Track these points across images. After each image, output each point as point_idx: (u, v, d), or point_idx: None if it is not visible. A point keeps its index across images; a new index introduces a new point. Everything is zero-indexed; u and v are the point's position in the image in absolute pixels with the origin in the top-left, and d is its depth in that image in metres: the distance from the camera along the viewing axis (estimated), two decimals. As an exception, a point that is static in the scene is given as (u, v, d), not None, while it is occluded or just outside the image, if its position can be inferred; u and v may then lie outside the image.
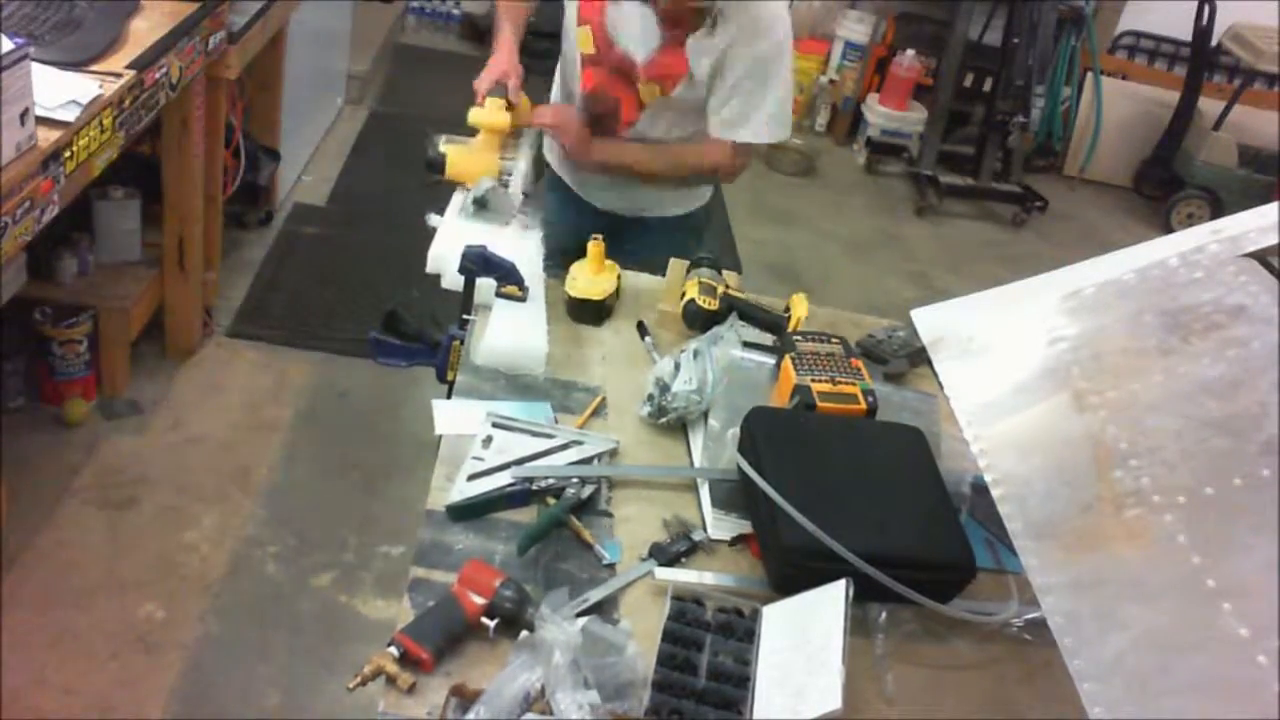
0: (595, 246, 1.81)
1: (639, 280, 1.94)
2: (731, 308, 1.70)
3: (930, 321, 1.15)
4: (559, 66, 2.17)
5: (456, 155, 1.97)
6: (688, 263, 1.87)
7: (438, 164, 1.97)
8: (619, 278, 1.84)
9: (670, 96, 1.96)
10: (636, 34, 1.93)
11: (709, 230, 2.35)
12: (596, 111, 2.04)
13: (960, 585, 1.35)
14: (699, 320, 1.76)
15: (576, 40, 2.00)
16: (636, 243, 2.12)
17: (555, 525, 1.37)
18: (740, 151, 2.02)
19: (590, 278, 1.81)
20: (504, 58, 1.98)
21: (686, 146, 2.06)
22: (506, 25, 2.04)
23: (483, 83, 1.95)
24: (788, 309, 1.83)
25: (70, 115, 1.89)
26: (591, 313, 1.81)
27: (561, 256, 1.92)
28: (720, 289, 1.76)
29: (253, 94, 3.49)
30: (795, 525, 1.27)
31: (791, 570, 1.30)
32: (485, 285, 1.75)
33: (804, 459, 1.39)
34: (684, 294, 1.75)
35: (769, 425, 1.45)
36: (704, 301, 1.72)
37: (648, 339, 1.79)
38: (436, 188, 2.03)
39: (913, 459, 1.46)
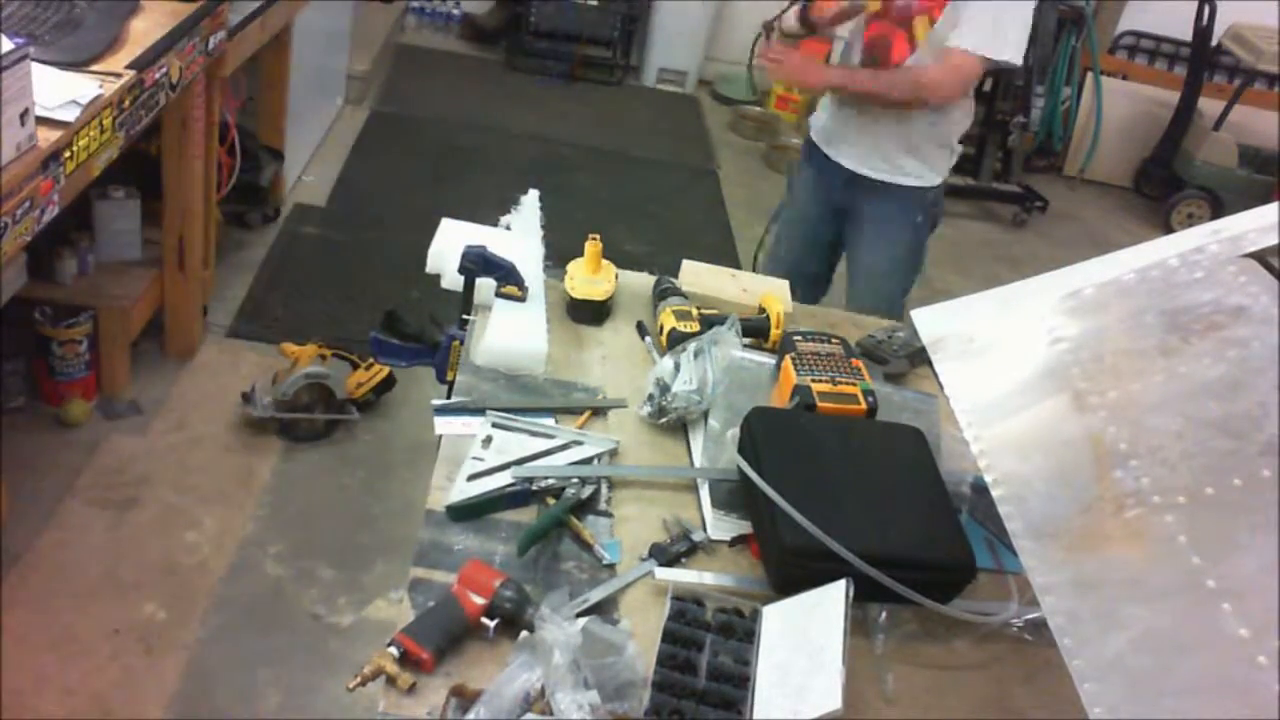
0: (593, 246, 1.81)
1: (638, 280, 1.94)
2: (712, 324, 1.70)
3: (930, 322, 1.15)
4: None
5: None
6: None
7: None
8: (616, 278, 1.84)
9: (936, 28, 2.25)
10: None
11: (925, 212, 2.62)
12: (874, 55, 2.40)
13: (960, 585, 1.35)
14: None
15: (867, 4, 2.38)
16: (875, 208, 2.55)
17: (555, 525, 1.37)
18: (960, 64, 2.26)
19: (589, 278, 1.81)
20: None
21: (908, 67, 2.36)
22: None
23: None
24: (763, 310, 1.83)
25: (70, 115, 1.89)
26: (591, 313, 1.81)
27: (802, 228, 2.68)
28: (695, 311, 1.76)
29: (258, 93, 3.50)
30: (795, 526, 1.27)
31: (791, 571, 1.29)
32: (485, 285, 1.75)
33: (804, 459, 1.39)
34: (661, 327, 1.75)
35: (769, 425, 1.45)
36: (685, 326, 1.72)
37: (647, 339, 1.79)
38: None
39: (913, 459, 1.46)
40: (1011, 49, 2.26)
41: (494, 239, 1.83)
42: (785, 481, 1.33)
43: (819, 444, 1.43)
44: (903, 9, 2.31)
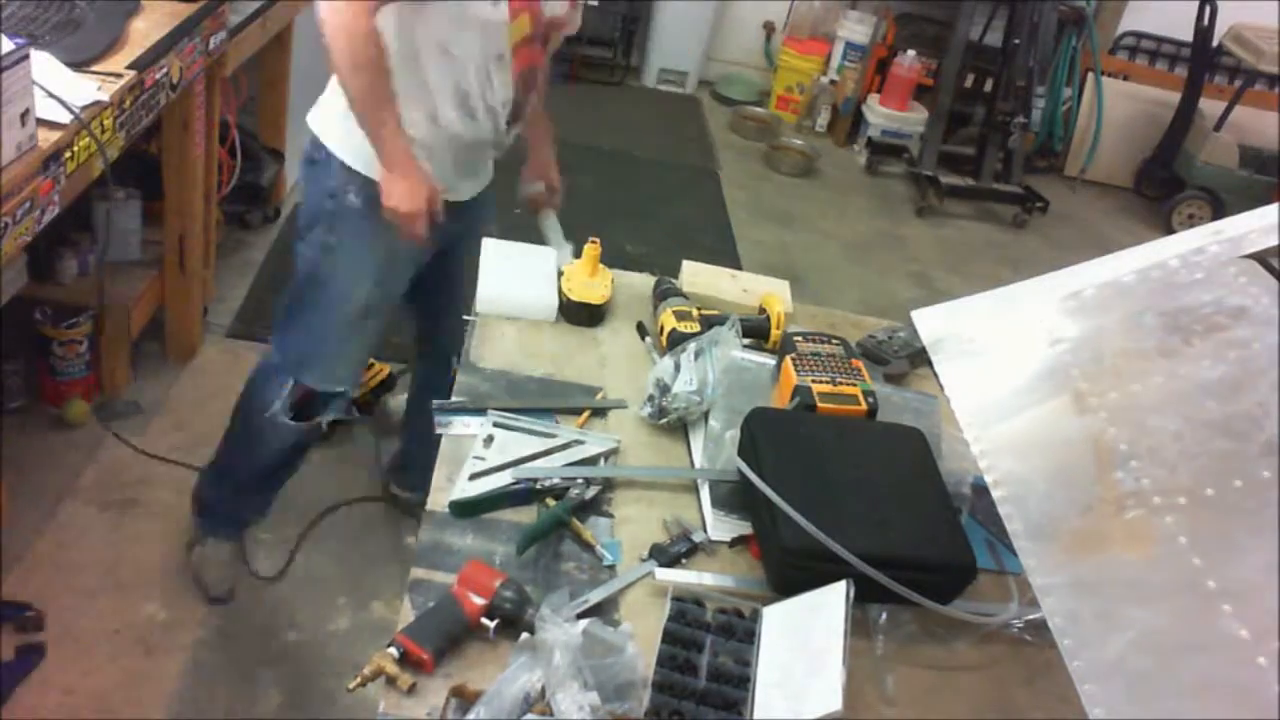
0: (592, 249, 1.81)
1: (638, 280, 1.94)
2: (712, 325, 1.70)
3: (931, 322, 1.15)
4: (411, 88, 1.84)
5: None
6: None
7: None
8: (612, 282, 1.85)
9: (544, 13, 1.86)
10: None
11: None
12: (523, 89, 1.90)
13: (961, 586, 1.35)
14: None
15: (509, 32, 1.80)
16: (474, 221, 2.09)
17: (556, 526, 1.37)
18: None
19: (587, 280, 1.81)
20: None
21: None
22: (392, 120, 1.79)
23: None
24: (763, 310, 1.83)
25: (64, 117, 1.87)
26: (587, 316, 1.81)
27: None
28: (695, 311, 1.76)
29: (258, 94, 3.50)
30: (795, 526, 1.27)
31: (792, 571, 1.30)
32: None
33: (804, 460, 1.39)
34: (662, 327, 1.75)
35: (769, 426, 1.45)
36: (685, 326, 1.72)
37: (647, 339, 1.79)
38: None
39: (913, 460, 1.46)
40: None
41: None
42: (785, 482, 1.33)
43: (819, 445, 1.43)
44: (549, 26, 1.88)
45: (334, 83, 1.88)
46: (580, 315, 1.81)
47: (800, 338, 1.66)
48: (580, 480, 1.43)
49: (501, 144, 1.95)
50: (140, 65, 2.17)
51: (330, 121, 1.91)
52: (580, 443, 1.52)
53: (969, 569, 1.33)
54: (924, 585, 1.29)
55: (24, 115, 1.72)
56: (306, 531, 2.55)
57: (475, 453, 1.45)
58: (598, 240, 1.82)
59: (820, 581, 1.23)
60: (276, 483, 2.32)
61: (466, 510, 1.37)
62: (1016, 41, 4.92)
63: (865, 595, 1.25)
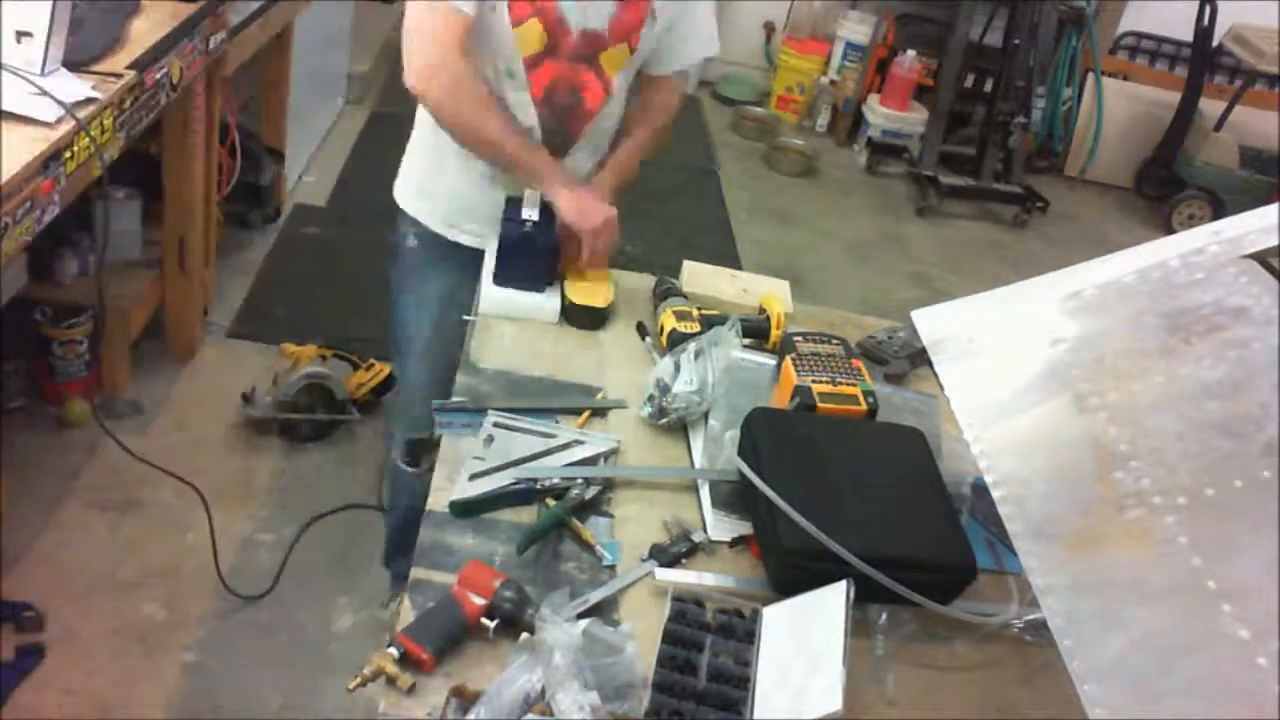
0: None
1: (638, 280, 1.94)
2: (712, 325, 1.70)
3: (931, 322, 1.15)
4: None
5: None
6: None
7: None
8: (614, 286, 1.84)
9: (635, 53, 1.80)
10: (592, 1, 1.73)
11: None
12: (556, 104, 1.81)
13: (961, 586, 1.35)
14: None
15: (515, 42, 1.73)
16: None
17: (556, 526, 1.37)
18: (684, 80, 1.97)
19: (589, 285, 1.81)
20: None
21: (647, 114, 1.93)
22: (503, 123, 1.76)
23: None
24: (763, 310, 1.83)
25: (50, 115, 1.85)
26: (591, 320, 1.80)
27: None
28: (695, 311, 1.76)
29: (258, 94, 3.50)
30: (795, 527, 1.27)
31: (792, 571, 1.29)
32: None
33: (804, 460, 1.39)
34: (662, 328, 1.75)
35: (769, 426, 1.45)
36: (685, 327, 1.72)
37: (647, 340, 1.79)
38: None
39: (913, 460, 1.46)
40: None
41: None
42: (785, 482, 1.33)
43: (819, 445, 1.43)
44: (587, 43, 1.76)
45: (410, 144, 1.97)
46: (583, 319, 1.80)
47: (800, 338, 1.66)
48: (580, 480, 1.43)
49: None
50: (140, 65, 2.17)
51: (401, 179, 2.01)
52: (580, 443, 1.51)
53: (969, 569, 1.33)
54: (924, 585, 1.29)
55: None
56: (306, 530, 2.55)
57: (475, 453, 1.45)
58: None
59: (820, 581, 1.23)
60: None
61: (466, 510, 1.37)
62: (1016, 41, 4.93)
63: (865, 595, 1.25)
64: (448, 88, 1.70)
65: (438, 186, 1.94)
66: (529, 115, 1.80)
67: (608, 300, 1.81)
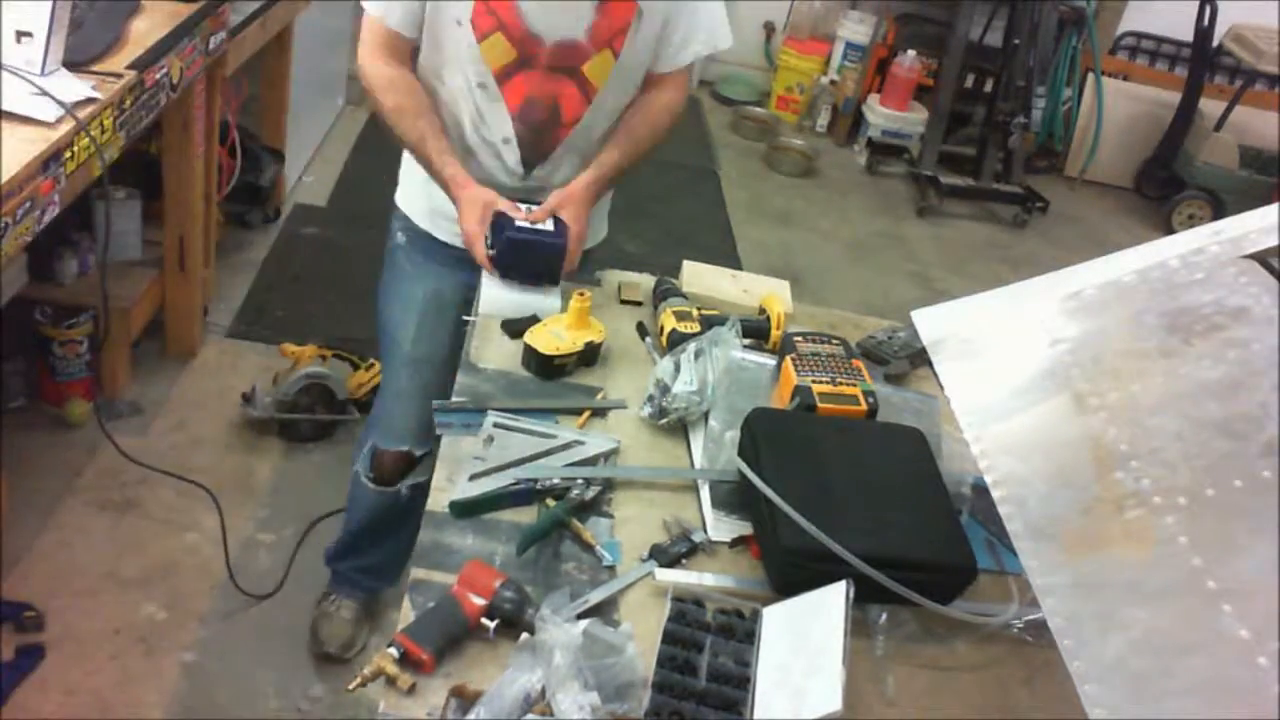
0: (580, 301, 1.65)
1: (636, 280, 1.94)
2: (712, 325, 1.70)
3: (931, 322, 1.15)
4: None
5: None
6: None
7: None
8: (602, 332, 1.68)
9: (621, 59, 1.75)
10: (566, 8, 1.69)
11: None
12: (534, 126, 1.79)
13: (961, 586, 1.34)
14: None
15: (482, 57, 1.71)
16: None
17: (556, 526, 1.37)
18: (687, 76, 1.95)
19: (559, 331, 1.65)
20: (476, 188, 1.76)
21: (640, 110, 1.88)
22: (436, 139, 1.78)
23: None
24: (763, 310, 1.82)
25: (50, 115, 1.85)
26: (542, 367, 1.63)
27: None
28: (695, 311, 1.75)
29: (258, 94, 3.50)
30: (795, 527, 1.27)
31: (792, 572, 1.29)
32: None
33: (804, 460, 1.39)
34: (662, 328, 1.74)
35: (769, 426, 1.45)
36: (685, 327, 1.71)
37: (648, 340, 1.79)
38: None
39: (913, 460, 1.46)
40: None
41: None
42: (785, 483, 1.33)
43: (819, 445, 1.43)
44: (564, 54, 1.72)
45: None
46: (537, 366, 1.63)
47: (800, 338, 1.66)
48: (580, 480, 1.43)
49: (528, 189, 1.86)
50: (140, 65, 2.17)
51: (400, 179, 2.04)
52: (580, 443, 1.51)
53: (969, 569, 1.33)
54: (924, 585, 1.29)
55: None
56: (307, 531, 2.55)
57: (475, 453, 1.45)
58: (586, 292, 1.66)
59: (820, 581, 1.23)
60: (385, 549, 2.20)
61: (466, 510, 1.37)
62: (1016, 41, 4.93)
63: (865, 595, 1.25)
64: (370, 91, 1.80)
65: (417, 180, 1.94)
66: (505, 127, 1.80)
67: (572, 349, 1.63)
